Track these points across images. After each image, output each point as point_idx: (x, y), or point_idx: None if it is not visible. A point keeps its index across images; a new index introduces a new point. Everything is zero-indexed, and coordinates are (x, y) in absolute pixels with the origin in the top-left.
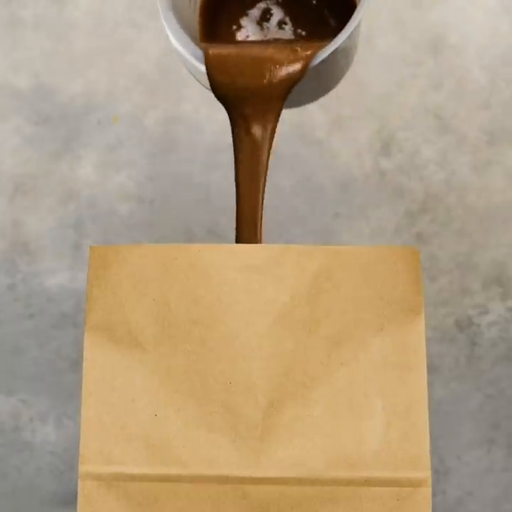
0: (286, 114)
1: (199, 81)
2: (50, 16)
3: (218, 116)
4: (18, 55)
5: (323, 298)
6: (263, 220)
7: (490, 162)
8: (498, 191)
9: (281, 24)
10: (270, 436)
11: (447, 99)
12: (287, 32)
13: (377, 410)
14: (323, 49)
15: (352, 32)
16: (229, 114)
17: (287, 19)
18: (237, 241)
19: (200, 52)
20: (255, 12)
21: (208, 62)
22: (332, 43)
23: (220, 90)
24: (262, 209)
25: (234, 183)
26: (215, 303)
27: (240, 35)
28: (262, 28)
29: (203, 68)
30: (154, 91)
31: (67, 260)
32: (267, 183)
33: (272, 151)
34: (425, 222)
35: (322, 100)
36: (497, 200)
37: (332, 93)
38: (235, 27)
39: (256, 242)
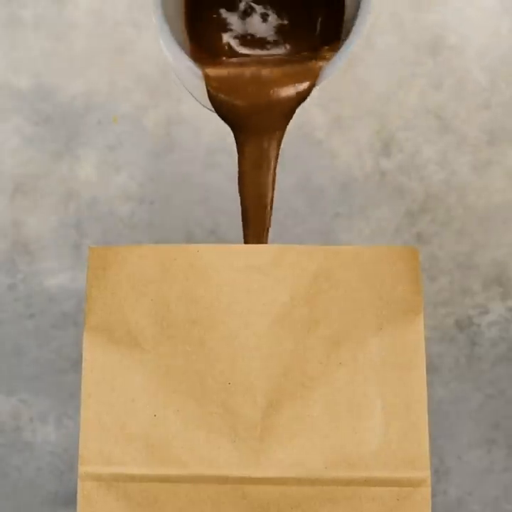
0: None
1: (195, 98)
2: (50, 16)
3: (218, 117)
4: (18, 55)
5: (323, 298)
6: (269, 235)
7: (490, 162)
8: (498, 191)
9: (264, 17)
10: (270, 437)
11: (447, 99)
12: (271, 25)
13: (377, 410)
14: (327, 67)
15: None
16: (233, 133)
17: (270, 13)
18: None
19: (197, 70)
20: (237, 9)
21: (210, 84)
22: (335, 59)
23: (222, 112)
24: (268, 226)
25: (233, 183)
26: (214, 303)
27: (225, 36)
28: (245, 23)
29: (201, 86)
30: (154, 91)
31: (68, 260)
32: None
33: (277, 168)
34: (425, 222)
35: (322, 100)
36: (497, 200)
37: (332, 93)
38: (218, 24)
39: (263, 240)
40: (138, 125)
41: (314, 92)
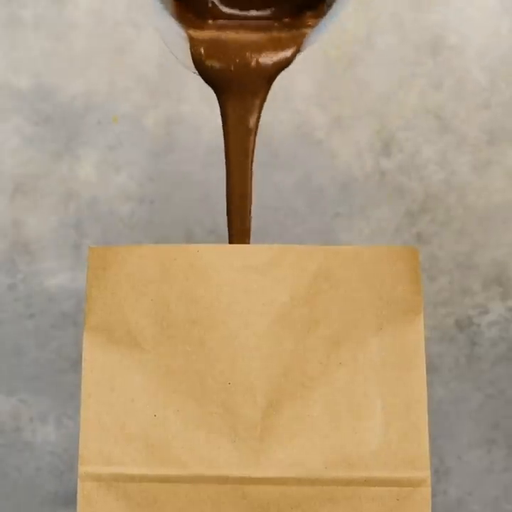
0: (286, 114)
1: (178, 59)
2: (50, 16)
3: (218, 117)
4: (18, 55)
5: (323, 298)
6: (253, 196)
7: (490, 162)
8: (498, 191)
9: None
10: (269, 437)
11: (447, 99)
12: None
13: (377, 410)
14: (311, 34)
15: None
16: (216, 94)
17: None
18: (228, 215)
19: (181, 31)
20: None
21: (194, 46)
22: (320, 26)
23: (206, 74)
24: (251, 183)
25: (224, 153)
26: (214, 303)
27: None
28: None
29: (185, 47)
30: (154, 91)
31: (68, 260)
32: (267, 183)
33: (258, 128)
34: (425, 222)
35: (322, 100)
36: (497, 200)
37: (332, 93)
38: None
39: (246, 215)
40: (138, 125)
41: (298, 58)
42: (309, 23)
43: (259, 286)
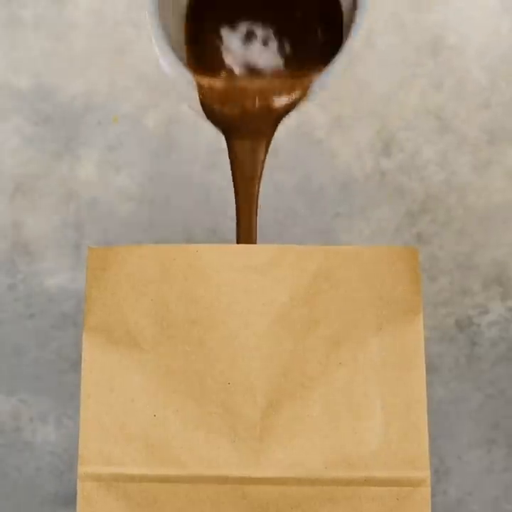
0: None
1: (187, 103)
2: (50, 16)
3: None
4: (18, 55)
5: (322, 298)
6: (257, 220)
7: (490, 162)
8: (498, 191)
9: (266, 39)
10: (269, 437)
11: (447, 99)
12: (273, 47)
13: (377, 410)
14: (313, 84)
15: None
16: (224, 137)
17: (272, 32)
18: (238, 241)
19: (191, 78)
20: (240, 23)
21: (202, 92)
22: (321, 77)
23: (213, 118)
24: (256, 213)
25: (232, 184)
26: (214, 303)
27: (222, 47)
28: (246, 42)
29: (193, 93)
30: (154, 91)
31: (68, 260)
32: (267, 183)
33: (264, 167)
34: (425, 222)
35: (322, 100)
36: (497, 200)
37: (332, 93)
38: (220, 37)
39: (252, 238)
40: (138, 125)
41: (303, 104)
42: (315, 71)
43: (259, 286)
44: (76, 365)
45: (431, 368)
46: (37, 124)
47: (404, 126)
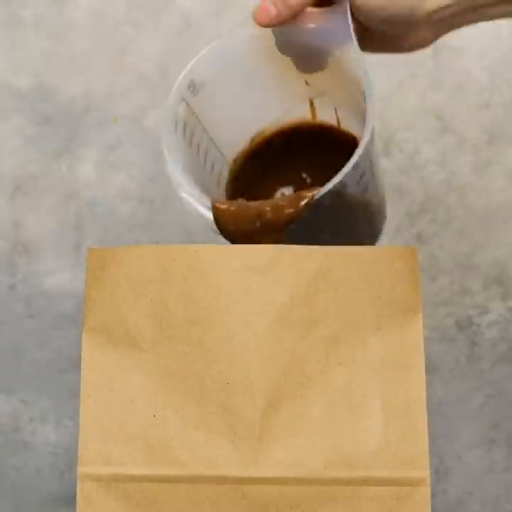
0: None
1: (202, 221)
2: (50, 16)
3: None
4: (18, 55)
5: (322, 298)
6: None
7: (490, 162)
8: (498, 191)
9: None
10: (269, 437)
11: (447, 99)
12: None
13: (376, 410)
14: (314, 198)
15: (342, 178)
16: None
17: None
18: None
19: (208, 204)
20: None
21: (218, 215)
22: (320, 191)
23: (228, 236)
24: None
25: None
26: (213, 303)
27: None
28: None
29: (210, 217)
30: (154, 91)
31: (68, 260)
32: None
33: None
34: (425, 222)
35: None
36: (497, 200)
37: None
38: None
39: None
40: (138, 125)
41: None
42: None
43: (258, 286)
44: (76, 365)
45: (431, 368)
46: (37, 124)
47: (404, 126)
